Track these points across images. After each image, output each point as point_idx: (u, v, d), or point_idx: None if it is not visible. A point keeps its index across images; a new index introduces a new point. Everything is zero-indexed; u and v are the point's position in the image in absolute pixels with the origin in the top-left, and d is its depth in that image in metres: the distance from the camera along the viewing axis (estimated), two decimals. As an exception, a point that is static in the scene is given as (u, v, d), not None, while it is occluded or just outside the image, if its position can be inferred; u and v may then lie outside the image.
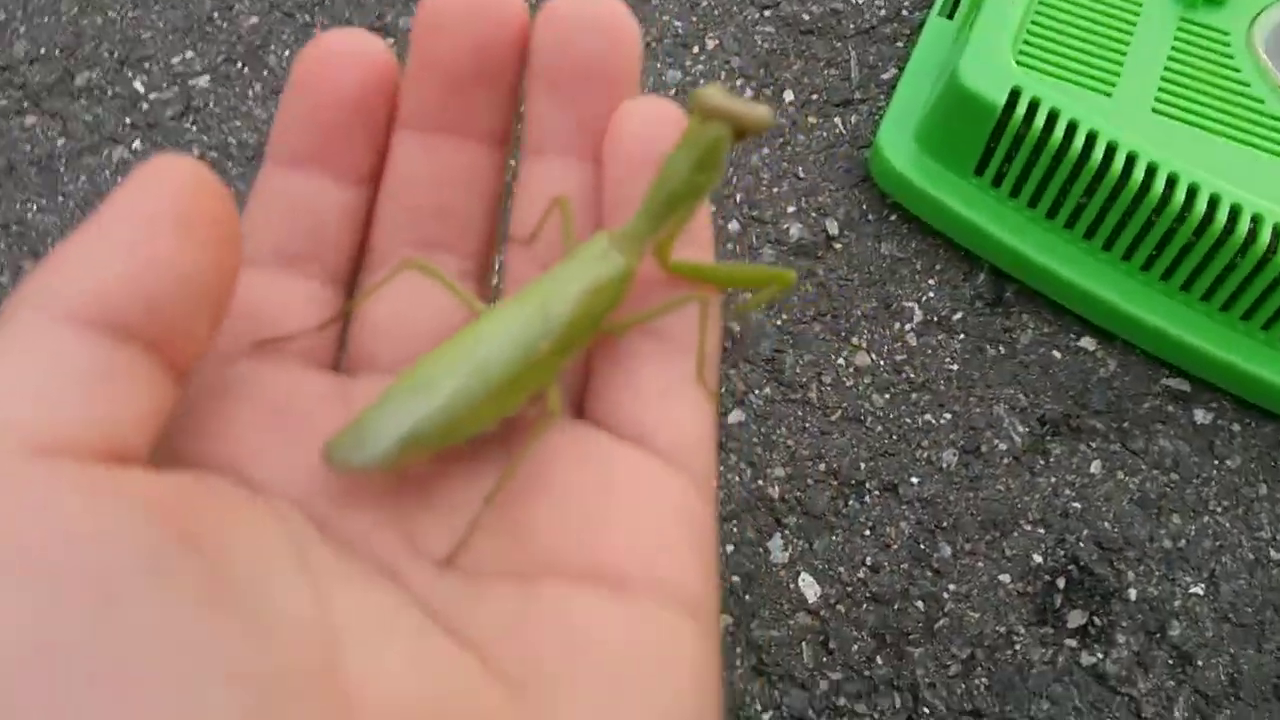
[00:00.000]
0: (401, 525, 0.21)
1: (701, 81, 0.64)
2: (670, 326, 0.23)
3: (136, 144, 0.60)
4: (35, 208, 0.59)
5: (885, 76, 0.65)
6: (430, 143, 0.24)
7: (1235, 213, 0.51)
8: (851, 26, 0.67)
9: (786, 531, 0.51)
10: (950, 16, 0.64)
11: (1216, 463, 0.53)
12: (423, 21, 0.23)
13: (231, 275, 0.19)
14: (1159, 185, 0.52)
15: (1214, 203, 0.51)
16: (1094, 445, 0.54)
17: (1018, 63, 0.56)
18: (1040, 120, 0.53)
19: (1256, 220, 0.51)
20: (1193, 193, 0.52)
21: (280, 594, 0.17)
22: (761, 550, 0.50)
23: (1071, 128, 0.53)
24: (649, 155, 0.22)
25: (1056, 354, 0.56)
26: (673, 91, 0.63)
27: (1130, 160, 0.52)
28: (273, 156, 0.24)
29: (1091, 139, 0.53)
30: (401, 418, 0.21)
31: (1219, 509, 0.52)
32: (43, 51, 0.65)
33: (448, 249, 0.24)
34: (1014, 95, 0.54)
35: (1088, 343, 0.57)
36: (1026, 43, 0.58)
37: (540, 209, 0.24)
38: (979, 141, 0.56)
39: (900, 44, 0.66)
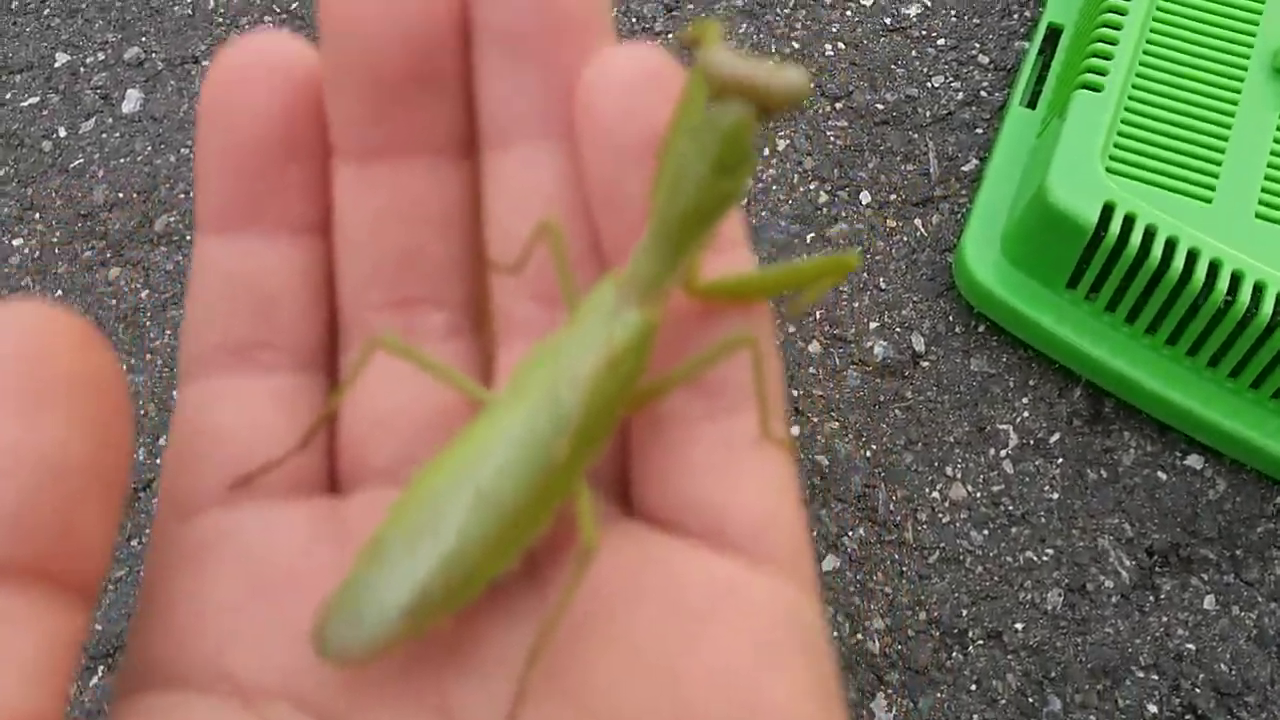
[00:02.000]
0: (434, 702, 0.17)
1: (774, 189, 0.62)
2: (715, 374, 0.18)
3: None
4: (124, 367, 0.60)
5: (966, 169, 0.63)
6: (375, 174, 0.19)
7: (1353, 336, 0.48)
8: (928, 114, 0.64)
9: (890, 690, 0.50)
10: (1032, 105, 0.62)
11: (1340, 590, 0.51)
12: (329, 13, 0.18)
13: (119, 447, 0.15)
14: (1268, 306, 0.49)
15: (1329, 326, 0.48)
16: (1206, 577, 0.52)
17: (1108, 169, 0.53)
18: (1136, 238, 0.51)
19: (1377, 343, 0.48)
20: (1305, 315, 0.49)
21: None
22: (865, 712, 0.49)
23: (1170, 245, 0.51)
24: (637, 133, 0.17)
25: (1162, 475, 0.54)
26: (745, 201, 0.62)
27: (1236, 279, 0.50)
28: (199, 224, 0.19)
29: (1193, 257, 0.50)
30: (401, 580, 0.17)
31: (1345, 643, 0.50)
32: (120, 196, 0.66)
33: (430, 302, 0.19)
34: (1107, 210, 0.51)
35: (1194, 461, 0.54)
36: (1117, 146, 0.55)
37: (520, 218, 0.19)
38: (1071, 257, 0.53)
39: (980, 130, 0.64)
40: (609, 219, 0.18)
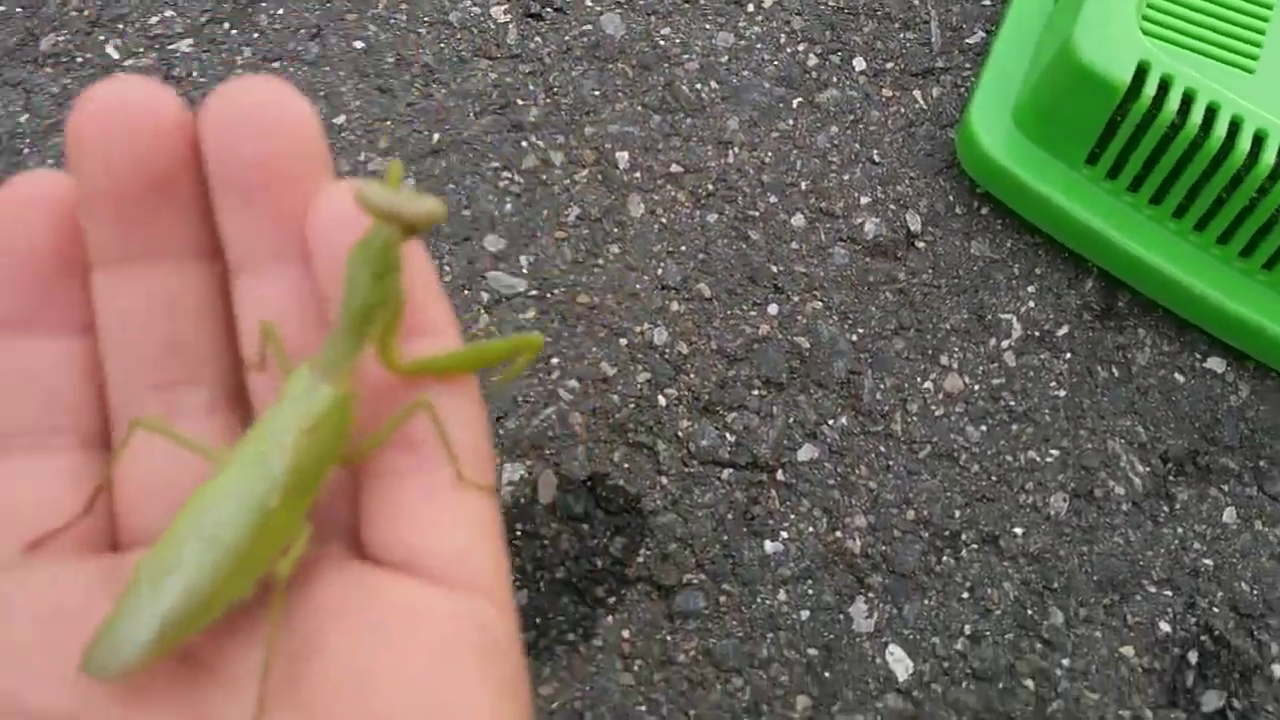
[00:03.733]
0: (198, 712, 0.20)
1: (758, 47, 0.55)
2: (420, 433, 0.22)
3: (107, 121, 0.52)
4: (-8, 196, 0.51)
5: (971, 40, 0.56)
6: (131, 275, 0.22)
7: None
8: (932, -18, 0.58)
9: (871, 594, 0.43)
10: (1051, -28, 0.55)
11: (1370, 509, 0.46)
12: (72, 143, 0.21)
13: None
14: (1318, 183, 0.43)
15: (1386, 206, 0.43)
16: (1226, 489, 0.46)
17: (1142, 31, 0.47)
18: (1173, 103, 0.45)
19: None
20: (1360, 193, 0.43)
21: None
22: (842, 617, 0.43)
23: (1210, 112, 0.45)
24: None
25: (1179, 377, 0.48)
26: (725, 59, 0.55)
27: (1283, 153, 0.44)
28: None
29: (1235, 126, 0.44)
30: (148, 613, 0.20)
31: (1375, 566, 0.45)
32: (2, 9, 0.56)
33: (191, 382, 0.22)
34: (1140, 71, 0.45)
35: (1216, 364, 0.49)
36: (1151, 6, 0.49)
37: (258, 327, 0.22)
38: (1096, 126, 0.47)
39: (987, 2, 0.57)
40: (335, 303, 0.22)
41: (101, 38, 0.54)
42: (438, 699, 0.19)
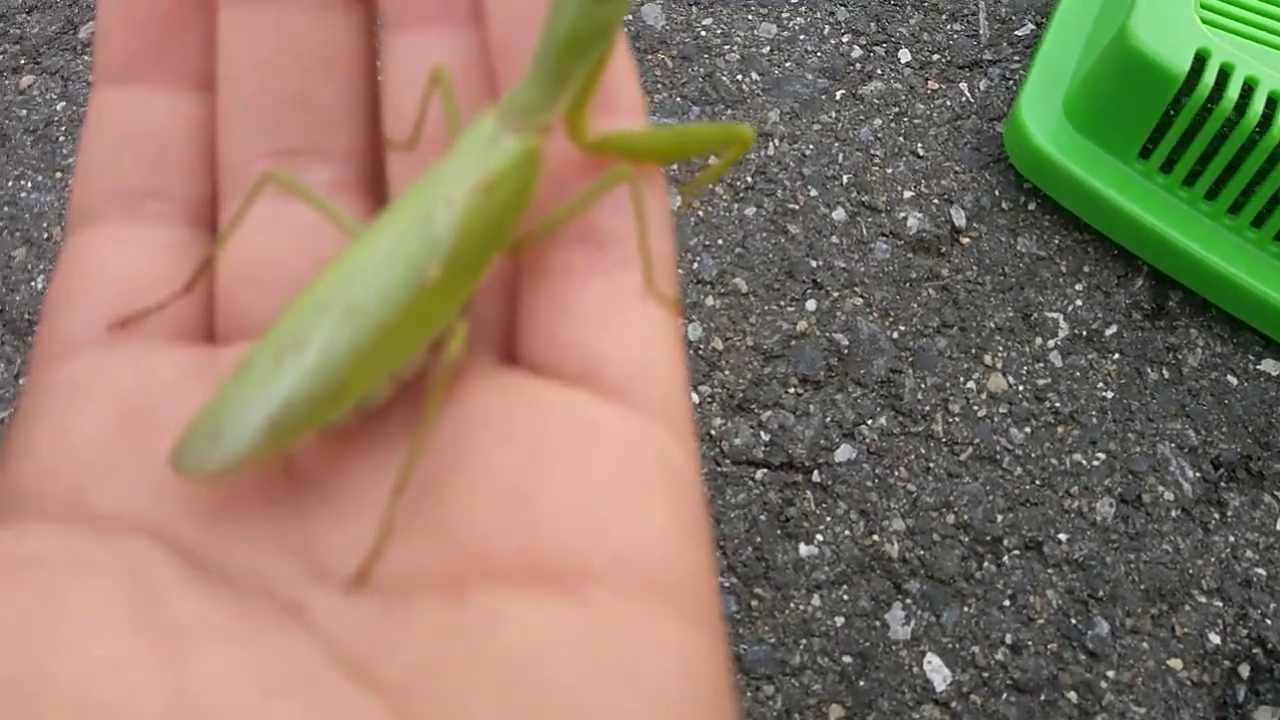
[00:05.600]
0: (299, 542, 0.17)
1: (801, 38, 0.54)
2: (605, 229, 0.18)
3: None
4: (30, 185, 0.51)
5: (1020, 32, 0.55)
6: (261, 17, 0.18)
7: None
8: (980, -30, 0.56)
9: (908, 600, 0.42)
10: (1104, -40, 0.54)
11: None
12: None
13: None
14: (1384, 179, 0.41)
15: None
16: (1279, 495, 0.44)
17: (1201, 19, 0.46)
18: (1233, 92, 0.43)
19: None
20: None
21: (108, 685, 0.13)
22: (878, 624, 0.41)
23: (1272, 102, 0.43)
24: None
25: (1232, 379, 0.46)
26: (766, 50, 0.54)
27: (1347, 147, 0.42)
28: (99, 73, 0.19)
29: (1297, 119, 0.43)
30: (264, 393, 0.16)
31: None
32: (42, -2, 0.56)
33: (316, 154, 0.19)
34: (1199, 60, 0.44)
35: (1270, 366, 0.47)
36: (1210, -6, 0.47)
37: (417, 96, 0.18)
38: (1151, 117, 0.45)
39: (1038, -8, 0.56)
40: (507, 77, 0.18)
41: (138, 26, 0.54)
42: (616, 532, 0.16)
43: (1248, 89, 0.43)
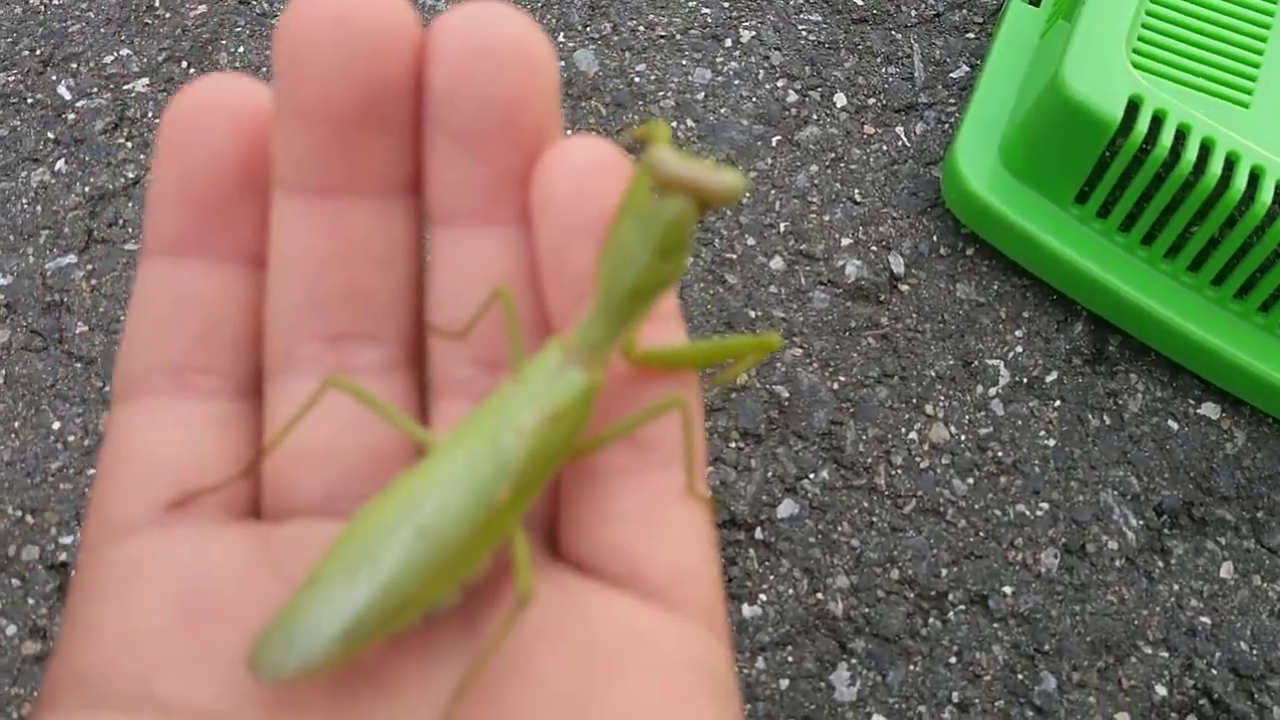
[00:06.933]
0: None
1: (736, 84, 0.54)
2: (647, 432, 0.19)
3: (60, 164, 0.50)
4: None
5: (955, 75, 0.55)
6: (319, 209, 0.19)
7: None
8: (913, 14, 0.56)
9: (854, 660, 0.41)
10: (1035, 2, 0.54)
11: (1375, 563, 0.44)
12: (283, 50, 0.18)
13: None
14: (1315, 225, 0.42)
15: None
16: (1223, 541, 0.44)
17: (1133, 65, 0.46)
18: (1166, 139, 0.43)
19: None
20: (1359, 236, 0.41)
21: None
22: (823, 685, 0.40)
23: (1205, 148, 0.43)
24: (588, 215, 0.18)
25: (1173, 424, 0.46)
26: (701, 96, 0.53)
27: None
28: (148, 247, 0.19)
29: (1231, 163, 0.43)
30: (338, 605, 0.17)
31: (1381, 624, 0.43)
32: None
33: (366, 339, 0.20)
34: (1132, 106, 0.44)
35: (1210, 410, 0.47)
36: (1141, 39, 0.48)
37: (460, 290, 0.19)
38: (1086, 163, 0.45)
39: (971, 35, 0.56)
40: (556, 290, 0.19)
41: (54, 77, 0.52)
42: None
43: (1181, 135, 0.43)
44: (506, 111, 0.18)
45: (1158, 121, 0.43)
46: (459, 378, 0.20)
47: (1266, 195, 0.42)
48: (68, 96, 0.52)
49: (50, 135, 0.51)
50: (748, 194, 0.51)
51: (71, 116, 0.51)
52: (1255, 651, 0.42)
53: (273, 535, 0.19)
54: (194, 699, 0.17)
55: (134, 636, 0.17)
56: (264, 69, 0.53)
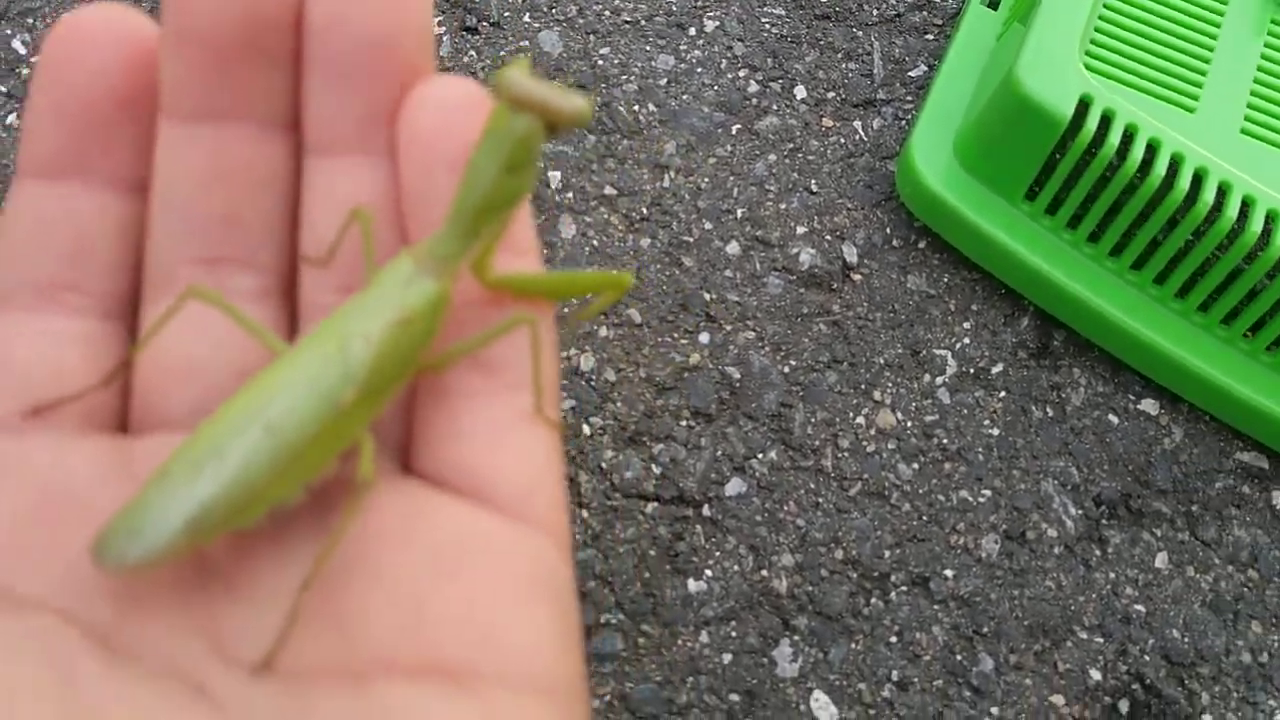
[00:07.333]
0: (205, 626, 0.18)
1: (698, 72, 0.54)
2: (498, 355, 0.20)
3: (12, 119, 0.49)
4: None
5: (913, 74, 0.56)
6: (201, 134, 0.20)
7: (1346, 264, 0.42)
8: (874, 13, 0.57)
9: (796, 637, 0.41)
10: (993, 6, 0.55)
11: (1302, 558, 0.45)
12: None
13: None
14: (1256, 224, 0.43)
15: (1321, 251, 0.42)
16: (1159, 533, 0.45)
17: (1085, 67, 0.47)
18: (1114, 137, 0.44)
19: (1371, 274, 0.42)
20: (1296, 238, 0.43)
21: None
22: (766, 661, 0.41)
23: (1152, 149, 0.44)
24: (451, 149, 0.20)
25: (1114, 418, 0.47)
26: (664, 82, 0.53)
27: (1221, 193, 0.43)
28: (23, 169, 0.20)
29: (1175, 164, 0.44)
30: (184, 496, 0.18)
31: (1306, 616, 0.44)
32: (-95, -1, 0.53)
33: (239, 263, 0.20)
34: (1083, 105, 0.45)
35: (1149, 405, 0.48)
36: (1094, 42, 0.49)
37: (332, 219, 0.20)
38: (1036, 161, 0.46)
39: (930, 36, 0.57)
40: (418, 217, 0.20)
41: (8, 31, 0.51)
42: (500, 638, 0.18)
43: (1129, 135, 0.44)
44: (379, 48, 0.19)
45: (1107, 121, 0.45)
46: (324, 304, 0.21)
47: (1209, 196, 0.43)
48: (22, 51, 0.51)
49: (3, 89, 0.50)
50: (594, 119, 0.51)
51: (25, 71, 0.51)
52: (1187, 639, 0.43)
53: (135, 447, 0.19)
54: (44, 591, 0.17)
55: None
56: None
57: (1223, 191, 0.43)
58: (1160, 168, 0.44)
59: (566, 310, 0.46)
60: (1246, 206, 0.43)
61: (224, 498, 0.18)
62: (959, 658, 0.42)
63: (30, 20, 0.52)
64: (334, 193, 0.20)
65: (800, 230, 0.50)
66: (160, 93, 0.20)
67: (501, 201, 0.19)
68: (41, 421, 0.19)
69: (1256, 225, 0.43)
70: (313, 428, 0.18)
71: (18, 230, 0.19)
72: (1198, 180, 0.44)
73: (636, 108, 0.52)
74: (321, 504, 0.19)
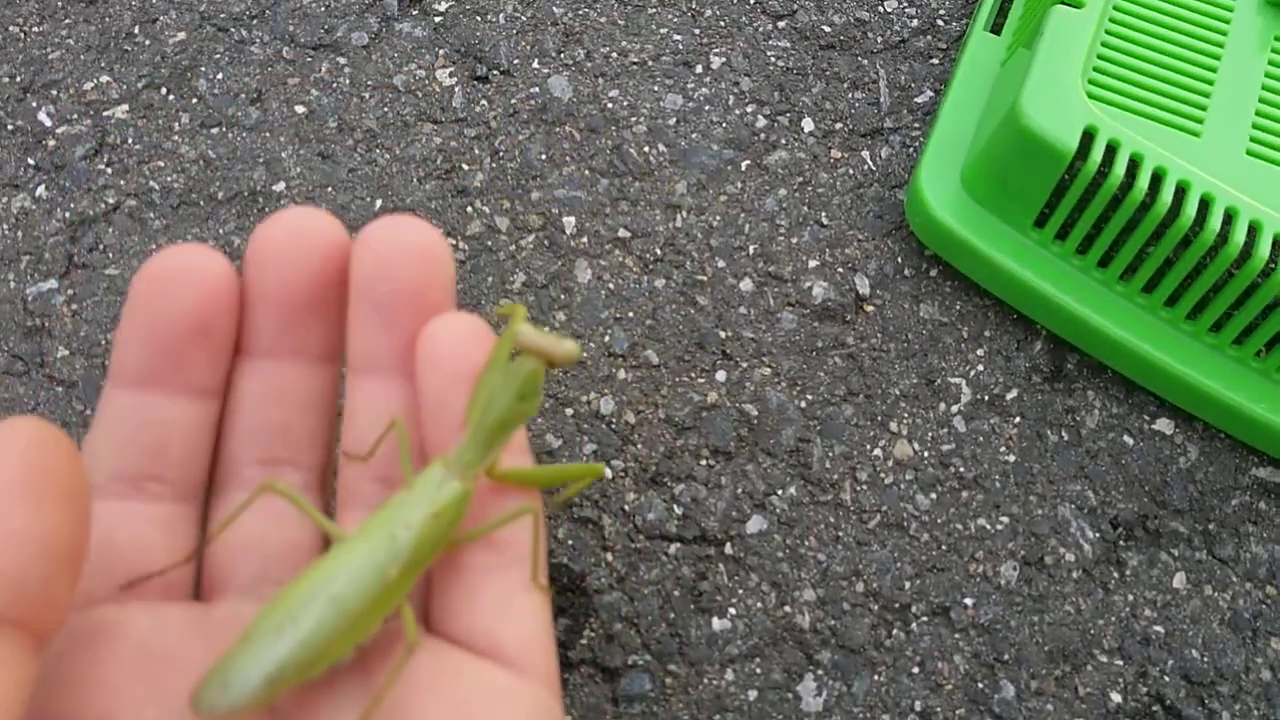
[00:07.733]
0: None
1: (706, 109, 0.55)
2: (503, 535, 0.25)
3: (41, 190, 0.51)
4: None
5: (920, 100, 0.56)
6: (266, 368, 0.25)
7: (1353, 285, 0.43)
8: (879, 40, 0.58)
9: (820, 671, 0.42)
10: (996, 32, 0.56)
11: (1320, 573, 0.45)
12: (255, 256, 0.24)
13: (84, 531, 0.19)
14: (1263, 249, 0.43)
15: (1328, 272, 0.43)
16: (1176, 553, 0.46)
17: (1089, 95, 0.47)
18: (1120, 168, 0.45)
19: (1379, 294, 0.43)
20: (1302, 260, 0.43)
21: None
22: (790, 696, 0.42)
23: (1157, 177, 0.45)
24: (461, 370, 0.25)
25: (1128, 439, 0.48)
26: (673, 121, 0.54)
27: (1229, 218, 0.44)
28: (114, 378, 0.24)
29: (1182, 191, 0.44)
30: (265, 657, 0.21)
31: (1326, 632, 0.44)
32: None
33: (290, 465, 0.26)
34: (1088, 137, 0.45)
35: (1164, 425, 0.48)
36: (1097, 70, 0.49)
37: (370, 426, 0.26)
38: (1043, 190, 0.47)
39: (935, 61, 0.57)
40: (434, 426, 0.25)
41: (34, 104, 0.53)
42: None
43: (1135, 163, 0.45)
44: (413, 296, 0.24)
45: (1112, 152, 0.45)
46: (364, 491, 0.26)
47: (1216, 221, 0.44)
48: (48, 123, 0.53)
49: (30, 161, 0.52)
50: (606, 162, 0.52)
51: (52, 143, 0.52)
52: (1206, 659, 0.43)
53: (211, 611, 0.24)
54: None
55: (97, 690, 0.21)
56: (242, 95, 0.54)
57: (1229, 217, 0.44)
58: (1166, 195, 0.44)
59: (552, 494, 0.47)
60: (1254, 230, 0.44)
61: (297, 656, 0.22)
62: (981, 685, 0.42)
63: (54, 92, 0.53)
64: (372, 405, 0.26)
65: (812, 264, 0.51)
66: (240, 337, 0.25)
67: (513, 421, 0.25)
68: (135, 592, 0.23)
69: (1264, 250, 0.43)
70: (368, 598, 0.23)
71: (107, 430, 0.24)
72: (1205, 205, 0.44)
73: (647, 149, 0.53)
74: (363, 657, 0.24)
